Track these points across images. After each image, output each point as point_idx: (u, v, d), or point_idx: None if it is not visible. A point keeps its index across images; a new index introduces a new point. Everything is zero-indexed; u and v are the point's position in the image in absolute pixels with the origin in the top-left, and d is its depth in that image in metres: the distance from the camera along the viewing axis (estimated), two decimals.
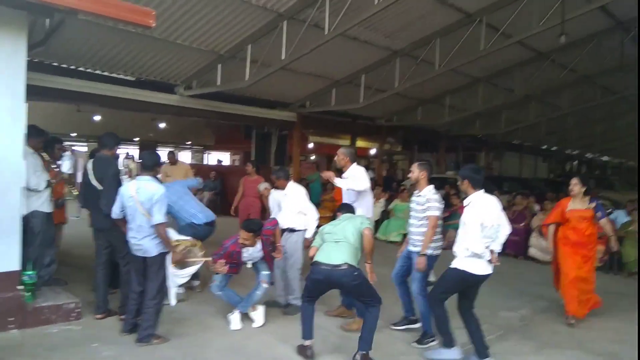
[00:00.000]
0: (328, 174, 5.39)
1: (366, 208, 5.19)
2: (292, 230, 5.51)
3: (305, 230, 5.47)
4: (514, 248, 9.41)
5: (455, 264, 4.09)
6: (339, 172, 5.49)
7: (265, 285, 4.96)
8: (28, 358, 3.95)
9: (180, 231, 5.38)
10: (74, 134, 20.93)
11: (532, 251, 9.21)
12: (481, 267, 4.01)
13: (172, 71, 9.58)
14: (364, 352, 3.96)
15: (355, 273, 4.03)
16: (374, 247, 4.39)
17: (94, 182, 4.83)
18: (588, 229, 5.55)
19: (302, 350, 4.21)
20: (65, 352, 4.09)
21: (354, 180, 5.17)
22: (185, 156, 27.68)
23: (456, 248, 4.12)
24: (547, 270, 8.53)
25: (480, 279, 4.06)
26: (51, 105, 16.04)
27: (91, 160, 5.02)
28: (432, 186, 4.72)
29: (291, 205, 5.53)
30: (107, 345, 4.26)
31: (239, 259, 4.83)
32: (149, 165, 4.47)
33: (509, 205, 10.30)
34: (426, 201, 4.62)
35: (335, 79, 11.60)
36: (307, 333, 4.18)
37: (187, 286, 5.89)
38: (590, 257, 5.66)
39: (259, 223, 4.98)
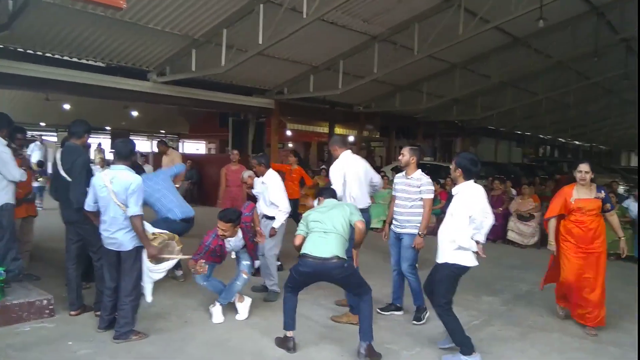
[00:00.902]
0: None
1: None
2: (269, 217, 5.43)
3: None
4: (493, 233, 9.42)
5: (444, 258, 3.94)
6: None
7: (245, 276, 4.82)
8: None
9: (155, 225, 5.21)
10: (43, 124, 20.30)
11: (511, 235, 9.31)
12: (470, 259, 3.91)
13: (144, 57, 9.24)
14: (368, 343, 3.88)
15: (345, 265, 3.95)
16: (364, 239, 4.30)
17: (63, 173, 4.57)
18: (594, 221, 4.70)
19: (283, 341, 4.10)
20: (39, 352, 3.90)
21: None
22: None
23: (441, 237, 4.00)
24: (526, 253, 8.68)
25: (468, 270, 3.97)
26: (19, 93, 15.45)
27: (59, 150, 4.77)
28: (420, 170, 4.93)
29: (267, 194, 5.45)
30: (83, 342, 4.09)
31: (222, 252, 4.68)
32: (124, 154, 4.25)
33: (487, 191, 10.36)
34: (421, 184, 4.81)
35: (313, 65, 11.43)
36: (290, 324, 4.06)
37: (171, 276, 5.79)
38: (600, 254, 4.74)
39: (236, 212, 4.81)
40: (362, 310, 3.97)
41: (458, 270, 3.92)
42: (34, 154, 11.46)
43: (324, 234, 3.98)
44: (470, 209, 3.83)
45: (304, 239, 4.10)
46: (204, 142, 27.60)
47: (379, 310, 5.02)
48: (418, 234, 4.77)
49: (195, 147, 29.63)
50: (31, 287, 4.89)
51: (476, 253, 3.90)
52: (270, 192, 5.39)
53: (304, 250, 3.98)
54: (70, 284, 4.73)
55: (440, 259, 3.97)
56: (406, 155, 4.87)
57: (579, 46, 12.82)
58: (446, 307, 3.94)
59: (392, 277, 5.11)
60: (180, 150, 26.34)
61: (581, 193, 4.76)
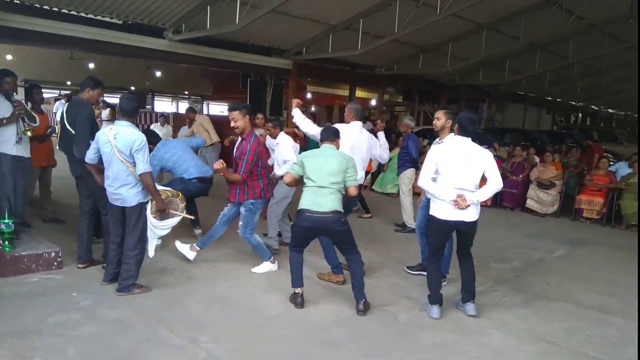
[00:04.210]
0: (295, 101, 5.22)
1: None
2: (281, 178, 5.45)
3: None
4: (511, 200, 9.27)
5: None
6: None
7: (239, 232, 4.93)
8: (2, 306, 3.86)
9: (169, 184, 5.34)
10: (69, 82, 20.57)
11: (530, 203, 9.06)
12: (447, 212, 3.92)
13: (159, 13, 9.10)
14: (365, 299, 4.06)
15: (343, 219, 4.04)
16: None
17: (68, 126, 4.59)
18: None
19: (292, 297, 4.24)
20: (42, 300, 4.00)
21: (311, 125, 5.04)
22: (184, 106, 27.30)
23: None
24: (544, 222, 8.48)
25: (453, 225, 3.96)
26: (46, 52, 15.59)
27: (66, 104, 4.79)
28: (452, 134, 4.69)
29: (278, 154, 5.59)
30: (86, 294, 4.18)
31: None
32: (128, 111, 4.22)
33: (509, 157, 10.11)
34: None
35: (332, 24, 11.10)
36: (297, 281, 4.19)
37: (192, 235, 5.95)
38: None
39: (245, 104, 4.90)
40: (356, 270, 4.10)
41: (436, 222, 4.00)
42: (59, 111, 11.67)
43: (320, 188, 3.99)
44: (437, 157, 3.93)
45: (294, 178, 4.16)
46: (227, 103, 27.60)
47: (407, 270, 5.20)
48: None
49: (220, 108, 29.70)
50: (41, 239, 5.00)
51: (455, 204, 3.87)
52: (281, 149, 5.52)
53: (301, 206, 4.03)
54: (80, 237, 4.80)
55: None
56: (442, 118, 4.68)
57: (614, 7, 12.10)
58: (431, 258, 4.16)
59: (419, 240, 5.13)
60: (205, 112, 26.48)
61: None
